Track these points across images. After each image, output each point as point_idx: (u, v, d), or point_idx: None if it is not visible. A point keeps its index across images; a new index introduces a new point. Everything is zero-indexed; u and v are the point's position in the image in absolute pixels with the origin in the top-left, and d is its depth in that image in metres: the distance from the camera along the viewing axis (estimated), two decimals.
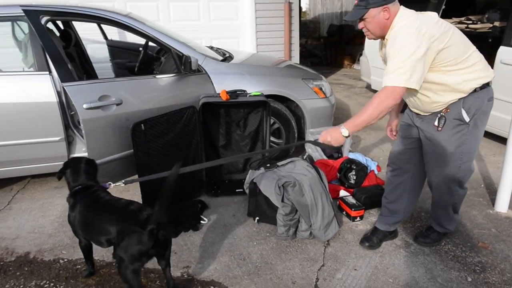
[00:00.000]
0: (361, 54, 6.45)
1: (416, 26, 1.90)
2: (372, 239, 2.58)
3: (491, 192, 3.27)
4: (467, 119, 2.07)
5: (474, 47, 2.08)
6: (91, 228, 2.05)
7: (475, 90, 2.04)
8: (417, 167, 2.43)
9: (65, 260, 2.49)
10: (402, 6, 2.05)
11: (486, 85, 2.08)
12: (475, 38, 4.69)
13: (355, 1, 2.04)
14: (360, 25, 2.08)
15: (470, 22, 4.73)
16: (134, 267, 1.87)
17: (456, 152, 2.15)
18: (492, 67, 3.90)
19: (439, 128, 2.11)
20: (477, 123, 2.11)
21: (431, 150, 2.22)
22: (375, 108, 1.92)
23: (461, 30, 4.67)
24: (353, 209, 2.86)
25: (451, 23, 4.80)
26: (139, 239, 1.83)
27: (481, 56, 2.09)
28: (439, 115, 2.11)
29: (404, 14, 1.99)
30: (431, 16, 2.02)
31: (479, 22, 4.66)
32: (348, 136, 2.01)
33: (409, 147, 2.40)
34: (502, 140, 4.01)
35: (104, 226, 1.97)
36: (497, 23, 4.53)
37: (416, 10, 2.08)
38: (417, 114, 2.26)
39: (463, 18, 4.86)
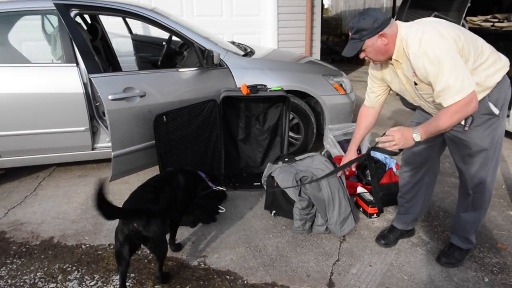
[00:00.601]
0: None
1: (436, 32, 1.84)
2: (388, 237, 2.57)
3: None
4: (496, 111, 2.00)
5: (482, 39, 2.01)
6: None
7: (497, 83, 1.99)
8: (432, 163, 2.39)
9: (87, 245, 2.58)
10: (399, 22, 1.97)
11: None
12: (501, 37, 4.59)
13: (349, 33, 1.96)
14: (362, 55, 2.02)
15: (496, 20, 4.61)
16: (116, 247, 2.03)
17: (490, 146, 2.08)
18: None
19: (466, 128, 2.01)
20: (504, 113, 2.07)
21: (464, 150, 2.14)
22: (451, 117, 1.81)
23: (487, 28, 4.61)
24: (370, 206, 2.86)
25: (476, 21, 4.75)
26: (118, 227, 2.03)
27: (492, 47, 2.03)
28: None
29: (410, 30, 1.90)
30: (434, 19, 1.98)
31: (505, 21, 4.54)
32: (420, 141, 1.89)
33: (426, 146, 2.31)
34: None
35: None
36: None
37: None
38: None
39: (489, 16, 4.74)
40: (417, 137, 1.87)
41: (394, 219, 2.66)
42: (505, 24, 4.48)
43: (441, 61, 1.78)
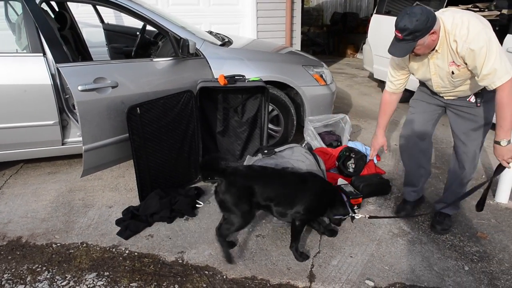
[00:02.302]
0: (364, 43, 6.35)
1: (478, 20, 1.98)
2: (405, 208, 2.72)
3: (492, 182, 3.20)
4: None
5: None
6: None
7: None
8: (430, 132, 2.56)
9: (58, 244, 2.47)
10: (439, 14, 2.03)
11: None
12: None
13: (398, 34, 1.97)
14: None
15: (478, 9, 4.61)
16: None
17: (492, 120, 2.28)
18: None
19: (478, 104, 2.23)
20: None
21: (471, 125, 2.32)
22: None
23: None
24: (351, 197, 2.82)
25: None
26: None
27: None
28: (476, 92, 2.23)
29: (454, 22, 1.99)
30: (462, 10, 2.13)
31: (486, 10, 4.54)
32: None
33: (428, 119, 2.50)
34: None
35: None
36: (505, 11, 4.41)
37: None
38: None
39: (470, 6, 4.74)
40: (505, 142, 2.04)
41: (403, 194, 2.83)
42: (486, 13, 4.47)
43: (489, 46, 1.92)
